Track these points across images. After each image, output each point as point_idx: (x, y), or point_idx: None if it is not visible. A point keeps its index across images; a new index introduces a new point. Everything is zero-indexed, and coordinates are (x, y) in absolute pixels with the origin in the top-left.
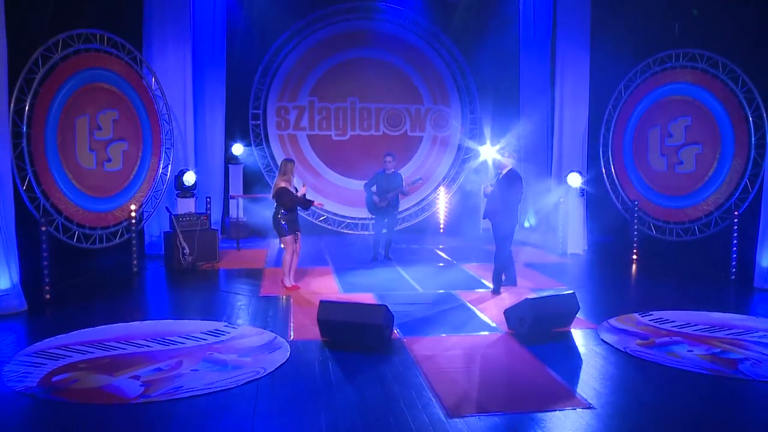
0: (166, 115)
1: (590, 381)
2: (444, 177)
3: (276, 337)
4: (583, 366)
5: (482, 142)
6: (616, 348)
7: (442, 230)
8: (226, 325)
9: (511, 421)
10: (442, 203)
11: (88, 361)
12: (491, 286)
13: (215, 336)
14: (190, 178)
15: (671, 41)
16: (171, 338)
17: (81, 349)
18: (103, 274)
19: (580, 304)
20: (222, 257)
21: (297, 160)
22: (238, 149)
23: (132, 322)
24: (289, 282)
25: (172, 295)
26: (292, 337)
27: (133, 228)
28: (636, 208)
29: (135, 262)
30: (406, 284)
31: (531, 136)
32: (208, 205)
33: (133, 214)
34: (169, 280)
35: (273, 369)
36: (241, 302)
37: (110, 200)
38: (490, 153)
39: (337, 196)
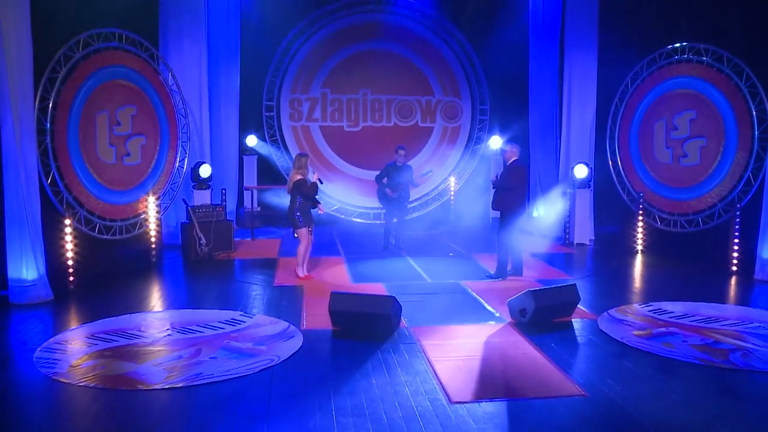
0: (183, 110)
1: (586, 370)
2: (454, 167)
3: (289, 326)
4: (581, 355)
5: (492, 133)
6: (614, 338)
7: (452, 220)
8: (242, 315)
9: (509, 408)
10: (453, 193)
11: (113, 349)
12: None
13: (232, 325)
14: (205, 170)
15: (677, 35)
16: (190, 327)
17: (106, 338)
18: (124, 264)
19: (583, 294)
20: (237, 247)
21: (310, 151)
22: (252, 141)
23: (152, 312)
24: (302, 272)
25: (190, 285)
26: (304, 327)
27: (151, 220)
28: (641, 200)
29: (153, 252)
30: (415, 274)
31: (540, 127)
32: (224, 197)
33: (151, 206)
34: (187, 270)
35: (287, 357)
36: (256, 292)
37: (129, 193)
38: (499, 144)
39: (350, 185)
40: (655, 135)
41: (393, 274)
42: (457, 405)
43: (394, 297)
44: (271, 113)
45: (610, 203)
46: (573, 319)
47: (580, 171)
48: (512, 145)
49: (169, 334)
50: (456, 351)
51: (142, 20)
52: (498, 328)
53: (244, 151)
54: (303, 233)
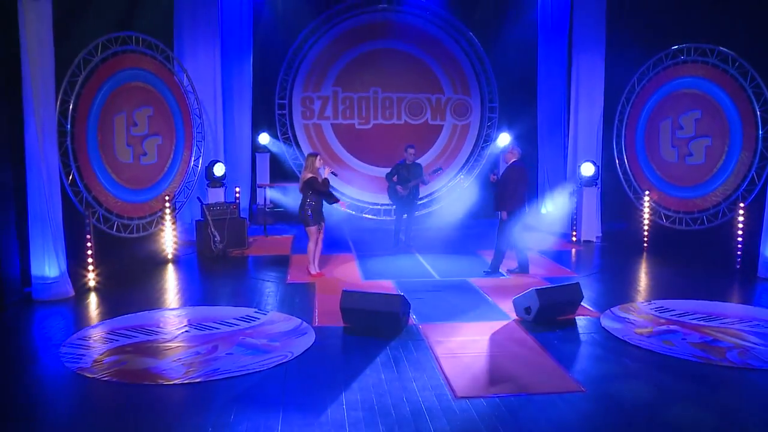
0: (197, 110)
1: (587, 367)
2: (464, 165)
3: (302, 323)
4: (583, 353)
5: (501, 131)
6: (615, 336)
7: (462, 217)
8: (256, 312)
9: (511, 403)
10: (462, 190)
11: (134, 345)
12: (505, 275)
13: (247, 322)
14: (219, 169)
15: (684, 35)
16: (206, 324)
17: (126, 334)
18: (141, 262)
19: (588, 291)
20: (251, 244)
21: (321, 149)
22: (264, 139)
23: (170, 309)
24: (314, 269)
25: (205, 282)
26: (316, 323)
27: (170, 216)
28: (647, 198)
29: (170, 249)
30: (424, 272)
31: (548, 125)
32: (238, 195)
33: (167, 204)
34: (202, 267)
35: (300, 353)
36: (270, 289)
37: (146, 192)
38: (508, 141)
39: (360, 182)
40: (661, 134)
41: (402, 272)
42: (462, 400)
43: (402, 295)
44: (284, 111)
45: (616, 201)
46: (577, 317)
47: (587, 169)
48: (513, 147)
49: (186, 331)
50: (462, 347)
51: (159, 22)
52: (503, 326)
53: (256, 149)
54: (312, 231)
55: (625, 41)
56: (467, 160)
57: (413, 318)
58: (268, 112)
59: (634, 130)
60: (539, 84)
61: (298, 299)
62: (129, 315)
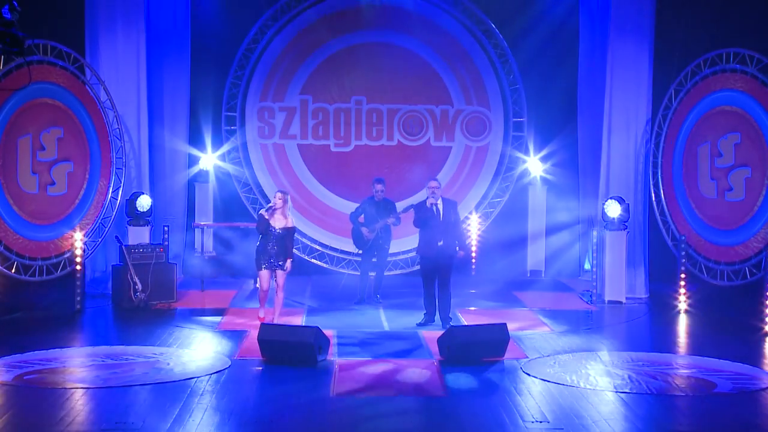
0: (117, 130)
1: (477, 405)
2: (480, 201)
3: (222, 355)
4: (483, 392)
5: (527, 154)
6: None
7: (474, 271)
8: (176, 348)
9: None
10: (475, 235)
11: (51, 369)
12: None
13: (164, 354)
14: (144, 202)
15: (723, 40)
16: (123, 356)
17: (42, 363)
18: (43, 310)
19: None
20: (180, 297)
21: (284, 177)
22: (207, 162)
23: (83, 347)
24: (261, 313)
25: (120, 331)
26: (236, 357)
27: (76, 260)
28: (684, 245)
29: (78, 298)
30: (375, 323)
31: (591, 147)
32: (166, 235)
33: (78, 243)
34: (117, 318)
35: (213, 372)
36: (195, 334)
37: (53, 228)
38: (537, 167)
39: (335, 224)
40: (699, 162)
41: (351, 322)
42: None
43: (317, 327)
44: (234, 127)
45: (653, 248)
46: (505, 359)
47: (613, 209)
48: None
49: (102, 361)
50: (362, 380)
51: (68, 24)
52: (416, 364)
53: (195, 177)
54: (261, 276)
55: (675, 40)
56: (485, 194)
57: (334, 353)
58: (214, 129)
59: (671, 157)
60: (580, 93)
61: (225, 340)
62: (40, 351)
